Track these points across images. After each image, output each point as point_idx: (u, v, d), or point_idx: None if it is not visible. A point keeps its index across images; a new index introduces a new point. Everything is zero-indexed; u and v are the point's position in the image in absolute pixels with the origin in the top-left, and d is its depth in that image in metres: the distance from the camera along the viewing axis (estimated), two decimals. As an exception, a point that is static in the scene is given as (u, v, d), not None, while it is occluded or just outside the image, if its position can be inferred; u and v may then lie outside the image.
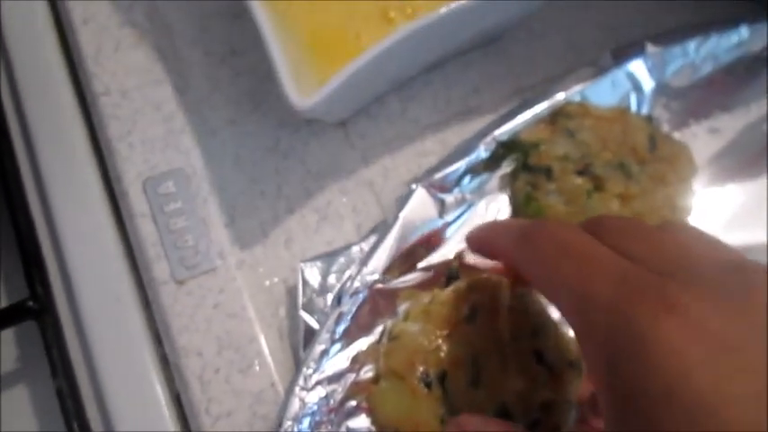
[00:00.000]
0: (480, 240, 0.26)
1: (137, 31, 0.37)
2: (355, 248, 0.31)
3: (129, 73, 0.36)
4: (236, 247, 0.33)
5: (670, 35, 0.36)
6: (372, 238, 0.31)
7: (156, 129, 0.34)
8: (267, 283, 0.33)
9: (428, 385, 0.26)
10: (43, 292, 0.32)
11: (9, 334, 0.34)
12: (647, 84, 0.35)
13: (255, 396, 0.30)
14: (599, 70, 0.35)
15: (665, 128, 0.35)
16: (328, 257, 0.31)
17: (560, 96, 0.34)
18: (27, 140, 0.35)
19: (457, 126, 0.36)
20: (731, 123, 0.36)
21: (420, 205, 0.31)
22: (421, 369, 0.26)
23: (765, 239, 0.33)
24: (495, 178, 0.33)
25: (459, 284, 0.27)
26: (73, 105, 0.36)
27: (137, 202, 0.33)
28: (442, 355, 0.26)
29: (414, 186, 0.32)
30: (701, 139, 0.35)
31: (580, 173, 0.32)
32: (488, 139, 0.33)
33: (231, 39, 0.37)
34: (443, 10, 0.29)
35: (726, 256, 0.20)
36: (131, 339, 0.32)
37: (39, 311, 0.32)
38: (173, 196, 0.33)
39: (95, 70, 0.36)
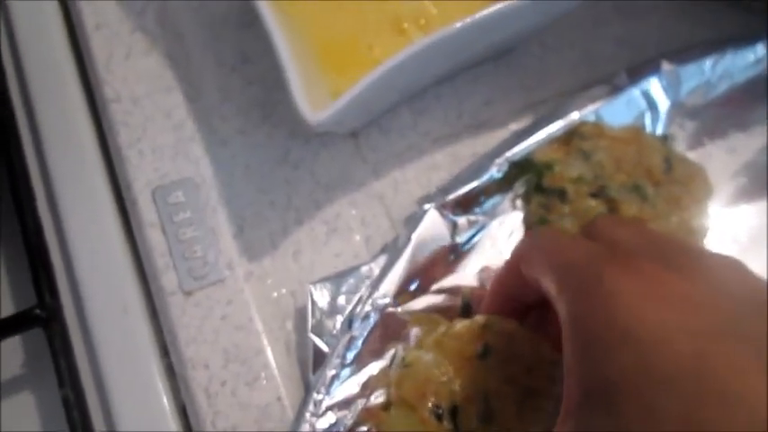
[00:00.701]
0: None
1: (148, 37, 0.37)
2: (365, 269, 0.31)
3: (140, 80, 0.35)
4: (244, 258, 0.33)
5: (685, 53, 0.36)
6: (382, 258, 0.31)
7: (166, 137, 0.34)
8: (275, 294, 0.33)
9: (439, 417, 0.26)
10: (51, 300, 0.32)
11: (16, 341, 0.34)
12: (663, 102, 0.35)
13: (261, 410, 0.30)
14: (614, 89, 0.34)
15: (681, 147, 0.35)
16: (337, 278, 0.31)
17: (574, 115, 0.33)
18: (37, 146, 0.35)
19: (468, 139, 0.36)
20: (748, 143, 0.35)
21: (432, 226, 0.31)
22: (432, 400, 0.26)
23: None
24: (507, 199, 0.32)
25: (474, 321, 0.27)
26: (83, 111, 0.36)
27: (146, 210, 0.33)
28: (454, 388, 0.26)
29: (425, 207, 0.32)
30: (717, 159, 0.35)
31: (594, 195, 0.31)
32: (501, 159, 0.32)
33: (243, 47, 0.37)
34: (458, 24, 0.29)
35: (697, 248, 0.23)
36: (138, 349, 0.32)
37: (46, 319, 0.32)
38: (182, 206, 0.33)
39: (106, 76, 0.35)
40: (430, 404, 0.26)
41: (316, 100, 0.30)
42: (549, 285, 0.22)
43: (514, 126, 0.36)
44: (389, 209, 0.34)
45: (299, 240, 0.33)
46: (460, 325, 0.27)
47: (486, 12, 0.29)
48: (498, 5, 0.29)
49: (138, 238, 0.33)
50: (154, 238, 0.32)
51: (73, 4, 0.37)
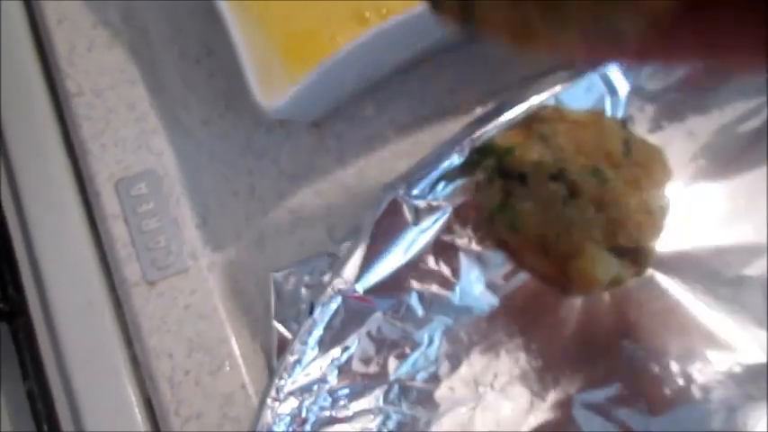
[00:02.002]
0: None
1: (111, 30, 0.37)
2: (328, 256, 0.31)
3: (103, 73, 0.35)
4: (208, 248, 0.33)
5: (646, 37, 0.36)
6: (345, 245, 0.31)
7: (129, 129, 0.34)
8: (239, 283, 0.33)
9: None
10: (15, 294, 0.32)
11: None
12: (623, 87, 0.35)
13: (226, 398, 0.30)
14: (574, 74, 0.35)
15: (641, 131, 0.35)
16: (301, 265, 0.31)
17: (535, 100, 0.34)
18: (1, 140, 0.35)
19: (432, 127, 0.36)
20: (706, 125, 0.36)
21: (394, 212, 0.31)
22: None
23: (744, 239, 0.33)
24: (469, 184, 0.33)
25: None
26: (47, 105, 0.36)
27: (109, 203, 0.33)
28: None
29: (387, 193, 0.32)
30: (677, 142, 0.35)
31: (554, 178, 0.31)
32: (462, 144, 0.32)
33: (207, 39, 0.37)
34: (416, 10, 0.29)
35: None
36: (103, 341, 0.32)
37: (10, 313, 0.32)
38: (145, 197, 0.33)
39: (69, 70, 0.35)
40: None
41: (278, 90, 0.31)
42: None
43: (478, 113, 0.36)
44: (354, 197, 0.34)
45: (263, 229, 0.34)
46: None
47: None
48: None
49: (101, 230, 0.33)
50: (117, 230, 0.32)
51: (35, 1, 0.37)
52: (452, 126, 0.36)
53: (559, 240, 0.31)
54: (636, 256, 0.32)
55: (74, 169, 0.34)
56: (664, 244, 0.33)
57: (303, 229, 0.34)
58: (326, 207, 0.34)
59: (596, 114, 0.34)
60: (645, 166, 0.33)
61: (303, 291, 0.31)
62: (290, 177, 0.35)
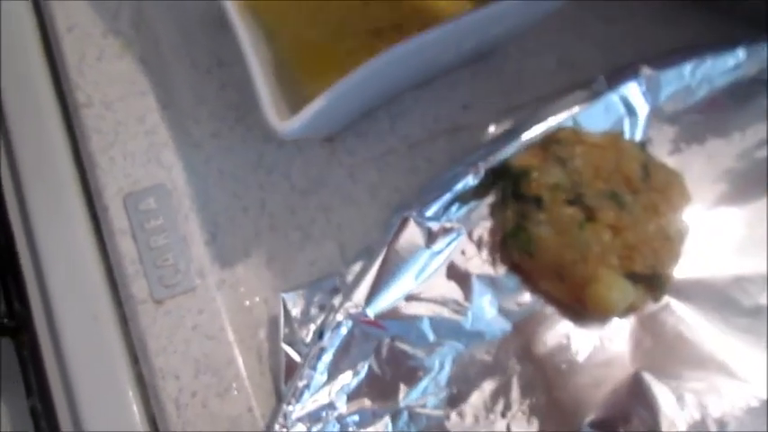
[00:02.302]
0: None
1: (122, 39, 0.36)
2: (338, 277, 0.30)
3: (113, 83, 0.35)
4: (216, 265, 0.32)
5: (665, 57, 0.35)
6: (356, 266, 0.31)
7: (138, 142, 0.34)
8: (247, 302, 0.32)
9: None
10: (21, 309, 0.32)
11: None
12: (642, 108, 0.34)
13: (232, 421, 0.30)
14: (593, 94, 0.34)
15: (659, 153, 0.34)
16: (310, 287, 0.30)
17: (552, 121, 0.33)
18: (8, 151, 0.34)
19: (445, 144, 0.36)
20: (726, 149, 0.35)
21: (406, 234, 0.31)
22: None
23: (763, 267, 0.32)
24: (483, 206, 0.32)
25: None
26: (55, 116, 0.35)
27: (117, 218, 0.32)
28: None
29: (400, 213, 0.31)
30: (696, 165, 0.35)
31: (571, 202, 0.31)
32: (478, 165, 0.32)
33: (218, 50, 0.37)
34: (434, 30, 0.28)
35: None
36: (108, 358, 0.31)
37: (15, 329, 0.31)
38: (153, 213, 0.32)
39: (78, 80, 0.35)
40: None
41: (290, 106, 0.30)
42: None
43: (493, 130, 0.36)
44: (365, 215, 0.34)
45: (273, 247, 0.33)
46: None
47: (461, 17, 0.28)
48: (475, 11, 0.29)
49: (108, 246, 0.32)
50: (125, 246, 0.32)
51: (45, 6, 0.37)
52: (466, 143, 0.35)
53: (575, 266, 0.31)
54: (652, 282, 0.31)
55: (82, 182, 0.34)
56: (681, 270, 0.32)
57: (313, 247, 0.33)
58: (337, 224, 0.34)
59: (615, 136, 0.33)
60: (663, 192, 0.32)
61: (313, 312, 0.31)
62: (301, 193, 0.34)
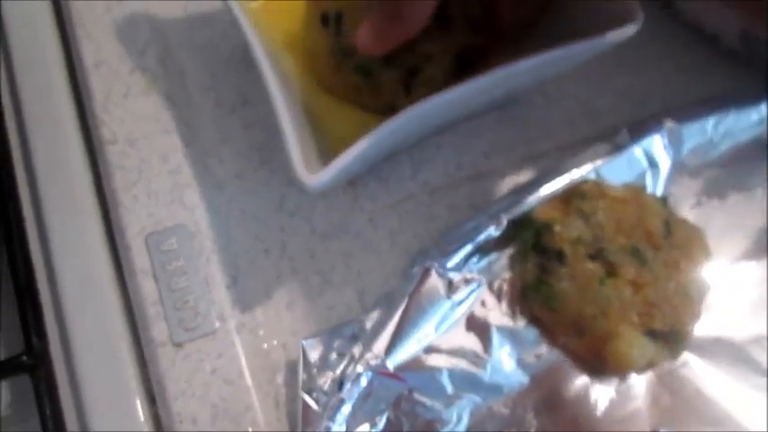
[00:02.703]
0: None
1: (148, 77, 0.36)
2: (357, 324, 0.30)
3: (138, 121, 0.35)
4: (236, 309, 0.32)
5: (688, 111, 0.36)
6: (375, 313, 0.31)
7: (161, 181, 0.34)
8: (266, 346, 0.32)
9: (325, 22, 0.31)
10: (39, 345, 0.32)
11: (4, 384, 0.33)
12: (664, 161, 0.35)
13: (248, 468, 0.30)
14: (615, 147, 0.34)
15: (681, 207, 0.34)
16: (330, 334, 0.30)
17: (575, 173, 0.33)
18: (32, 186, 0.34)
19: (466, 191, 0.36)
20: (748, 204, 0.35)
21: (428, 284, 0.31)
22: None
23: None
24: (504, 257, 0.32)
25: None
26: (80, 151, 0.35)
27: (139, 257, 0.32)
28: None
29: (420, 262, 0.31)
30: (717, 220, 0.35)
31: (592, 257, 0.31)
32: (500, 216, 0.32)
33: (244, 88, 0.37)
34: (459, 86, 0.29)
35: None
36: (125, 398, 0.31)
37: (33, 366, 0.31)
38: (175, 254, 0.32)
39: (104, 116, 0.35)
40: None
41: (317, 151, 0.30)
42: None
43: (514, 178, 0.36)
44: (384, 262, 0.34)
45: (293, 291, 0.33)
46: None
47: (489, 74, 0.29)
48: (501, 68, 0.29)
49: (129, 286, 0.32)
50: (146, 287, 0.32)
51: (74, 41, 0.37)
52: (488, 190, 0.36)
53: (595, 321, 0.31)
54: (671, 339, 0.31)
55: (105, 219, 0.34)
56: (700, 327, 0.32)
57: (333, 293, 0.33)
58: (357, 270, 0.34)
59: (637, 191, 0.33)
60: (684, 248, 0.32)
61: (332, 358, 0.30)
62: (322, 237, 0.34)
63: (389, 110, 0.29)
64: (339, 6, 0.31)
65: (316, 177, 0.27)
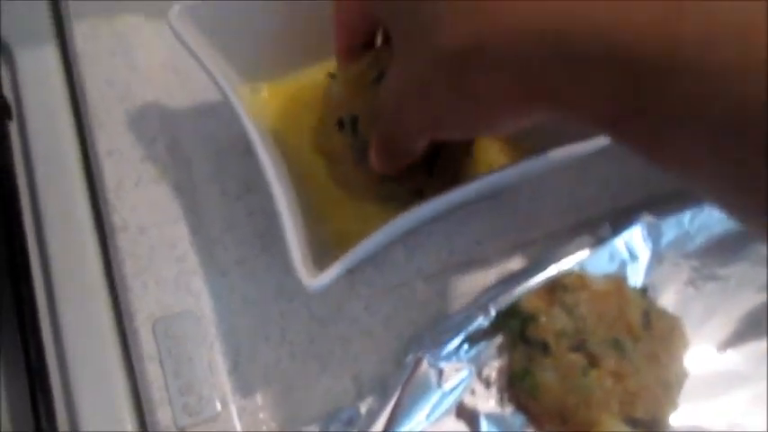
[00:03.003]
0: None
1: (158, 165, 0.38)
2: (352, 410, 0.32)
3: (149, 209, 0.37)
4: (238, 394, 0.34)
5: (666, 204, 0.38)
6: (370, 399, 0.32)
7: (169, 268, 0.36)
8: (265, 428, 0.34)
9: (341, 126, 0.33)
10: (48, 426, 0.33)
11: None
12: (643, 253, 0.37)
13: None
14: (598, 240, 0.36)
15: (660, 297, 0.36)
16: (327, 419, 0.32)
17: (560, 265, 0.35)
18: (45, 269, 0.36)
19: (458, 277, 0.38)
20: (724, 294, 0.37)
21: (420, 373, 0.32)
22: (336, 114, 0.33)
23: (761, 417, 0.34)
24: (492, 346, 0.34)
25: (367, 55, 0.32)
26: (92, 237, 0.37)
27: (146, 343, 0.34)
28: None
29: (413, 350, 0.33)
30: (695, 310, 0.37)
31: (575, 348, 0.33)
32: (488, 306, 0.34)
33: (246, 176, 0.39)
34: (454, 192, 0.31)
35: None
36: (130, 480, 0.33)
37: (42, 449, 0.33)
38: (181, 339, 0.34)
39: (116, 203, 0.37)
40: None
41: (316, 245, 0.32)
42: (390, 25, 0.27)
43: (504, 265, 0.38)
44: (379, 346, 0.36)
45: (292, 376, 0.35)
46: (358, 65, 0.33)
47: (484, 179, 0.31)
48: (497, 173, 0.31)
49: (137, 370, 0.34)
50: (152, 372, 0.33)
51: (88, 129, 0.39)
52: (478, 278, 0.37)
53: (578, 410, 0.32)
54: (651, 427, 0.33)
55: (114, 304, 0.36)
56: (679, 415, 0.34)
57: (329, 378, 0.35)
58: (353, 355, 0.35)
59: (618, 283, 0.35)
60: (664, 339, 0.34)
61: (327, 446, 0.32)
62: (320, 322, 0.36)
63: (416, 194, 0.31)
64: (353, 109, 0.33)
65: (317, 281, 0.28)
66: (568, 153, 0.32)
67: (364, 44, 0.33)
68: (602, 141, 0.32)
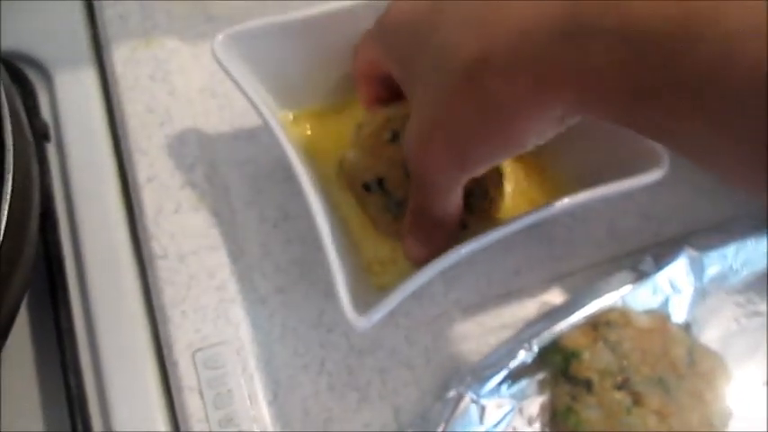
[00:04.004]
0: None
1: (197, 192, 0.38)
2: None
3: (187, 236, 0.37)
4: (277, 425, 0.34)
5: (708, 237, 0.37)
6: (411, 434, 0.32)
7: (208, 297, 0.36)
8: (304, 460, 0.33)
9: (368, 189, 0.35)
10: (88, 455, 0.33)
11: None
12: (686, 288, 0.36)
13: None
14: (640, 274, 0.36)
15: (703, 332, 0.36)
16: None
17: (603, 301, 0.35)
18: (84, 297, 0.36)
19: (497, 309, 0.37)
20: (767, 329, 0.37)
21: (462, 410, 0.32)
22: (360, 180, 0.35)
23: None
24: (534, 383, 0.34)
25: (378, 115, 0.34)
26: (131, 265, 0.37)
27: (186, 374, 0.34)
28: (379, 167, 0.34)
29: (455, 386, 0.33)
30: (738, 346, 0.36)
31: (619, 387, 0.32)
32: (531, 342, 0.33)
33: (284, 202, 0.39)
34: (493, 233, 0.31)
35: None
36: None
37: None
38: (221, 370, 0.34)
39: (155, 231, 0.37)
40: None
41: (358, 280, 0.32)
42: (387, 62, 0.30)
43: (543, 297, 0.38)
44: (419, 379, 0.35)
45: (331, 407, 0.34)
46: (369, 127, 0.35)
47: (524, 218, 0.31)
48: (542, 209, 0.31)
49: (176, 402, 0.34)
50: (192, 404, 0.33)
51: (127, 156, 0.39)
52: (517, 309, 0.37)
53: (622, 449, 0.32)
54: (695, 466, 0.33)
55: (153, 333, 0.36)
56: (723, 455, 0.33)
57: (369, 410, 0.35)
58: (393, 388, 0.35)
59: (661, 319, 0.35)
60: (707, 377, 0.34)
61: (368, 480, 0.32)
62: (359, 353, 0.36)
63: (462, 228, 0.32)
64: (377, 173, 0.34)
65: (362, 321, 0.28)
66: (610, 190, 0.32)
67: (390, 95, 0.33)
68: (636, 183, 0.32)
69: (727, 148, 0.19)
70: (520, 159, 0.38)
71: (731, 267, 0.37)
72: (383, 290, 0.33)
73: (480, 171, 0.28)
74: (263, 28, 0.36)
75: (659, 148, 0.33)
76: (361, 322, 0.28)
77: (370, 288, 0.34)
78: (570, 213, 0.39)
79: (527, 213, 0.31)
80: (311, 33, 0.36)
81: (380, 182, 0.34)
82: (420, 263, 0.31)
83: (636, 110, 0.21)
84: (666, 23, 0.19)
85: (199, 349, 0.35)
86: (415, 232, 0.32)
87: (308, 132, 0.39)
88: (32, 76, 0.42)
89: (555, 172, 0.37)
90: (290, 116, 0.39)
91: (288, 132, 0.37)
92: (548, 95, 0.23)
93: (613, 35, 0.20)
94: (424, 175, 0.29)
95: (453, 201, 0.30)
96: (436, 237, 0.31)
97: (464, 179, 0.28)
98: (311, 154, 0.38)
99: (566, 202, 0.32)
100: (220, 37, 0.35)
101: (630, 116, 0.21)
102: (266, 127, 0.34)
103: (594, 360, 0.33)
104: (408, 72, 0.28)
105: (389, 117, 0.34)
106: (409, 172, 0.31)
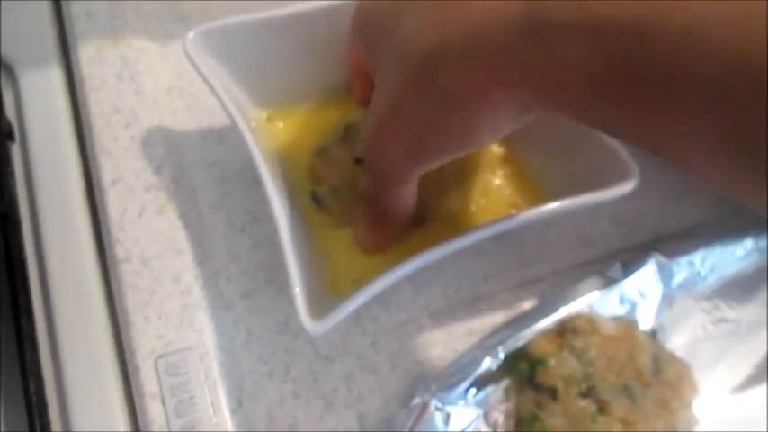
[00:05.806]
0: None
1: (163, 195, 0.38)
2: (358, 456, 0.31)
3: (152, 240, 0.37)
4: (240, 433, 0.33)
5: (677, 244, 0.37)
6: (375, 444, 0.32)
7: (172, 302, 0.35)
8: (267, 469, 0.33)
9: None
10: (46, 463, 0.33)
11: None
12: (654, 294, 0.36)
13: None
14: (608, 281, 0.36)
15: (669, 340, 0.36)
16: (332, 465, 0.31)
17: (570, 307, 0.35)
18: (46, 301, 0.36)
19: (464, 315, 0.37)
20: (734, 336, 0.37)
21: (427, 418, 0.32)
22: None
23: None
24: (500, 390, 0.33)
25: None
26: (94, 268, 0.36)
27: (148, 380, 0.33)
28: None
29: (420, 393, 0.33)
30: (705, 354, 0.36)
31: (584, 394, 0.32)
32: (497, 349, 0.33)
33: (252, 205, 0.38)
34: (458, 239, 0.30)
35: None
36: None
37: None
38: (184, 377, 0.34)
39: (119, 235, 0.36)
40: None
41: (320, 287, 0.32)
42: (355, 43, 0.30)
43: (511, 303, 0.37)
44: (385, 385, 0.35)
45: (296, 414, 0.34)
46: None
47: (488, 227, 0.30)
48: (509, 218, 0.31)
49: (137, 408, 0.33)
50: (154, 411, 0.33)
51: (92, 157, 0.39)
52: (485, 315, 0.37)
53: (586, 457, 0.32)
54: (660, 474, 0.32)
55: (116, 338, 0.35)
56: (687, 462, 0.33)
57: (333, 417, 0.34)
58: (358, 394, 0.35)
59: (628, 326, 0.35)
60: (673, 385, 0.34)
61: (331, 487, 0.32)
62: (325, 359, 0.35)
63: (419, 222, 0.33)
64: (332, 183, 0.35)
65: (319, 326, 0.28)
66: (586, 201, 0.32)
67: None
68: (606, 195, 0.31)
69: (696, 142, 0.18)
70: (505, 162, 0.37)
71: (699, 274, 0.37)
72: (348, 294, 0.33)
73: (435, 164, 0.27)
74: (237, 25, 0.35)
75: (630, 160, 0.32)
76: (315, 327, 0.28)
77: (336, 297, 0.34)
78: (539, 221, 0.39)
79: (493, 222, 0.31)
80: (286, 32, 0.36)
81: (335, 192, 0.35)
82: (368, 251, 0.30)
83: (595, 105, 0.20)
84: (627, 15, 0.18)
85: (162, 355, 0.34)
86: (365, 220, 0.31)
87: (282, 132, 0.38)
88: (-4, 74, 0.41)
89: (539, 178, 0.37)
90: (265, 115, 0.38)
91: (261, 132, 0.37)
92: (503, 89, 0.22)
93: (571, 30, 0.19)
94: (377, 164, 0.29)
95: (406, 193, 0.30)
96: (385, 227, 0.31)
97: (418, 171, 0.28)
98: (283, 154, 0.37)
99: (534, 212, 0.31)
100: (192, 34, 0.34)
101: (590, 112, 0.21)
102: (233, 125, 0.33)
103: (560, 367, 0.33)
104: (375, 61, 0.28)
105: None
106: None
